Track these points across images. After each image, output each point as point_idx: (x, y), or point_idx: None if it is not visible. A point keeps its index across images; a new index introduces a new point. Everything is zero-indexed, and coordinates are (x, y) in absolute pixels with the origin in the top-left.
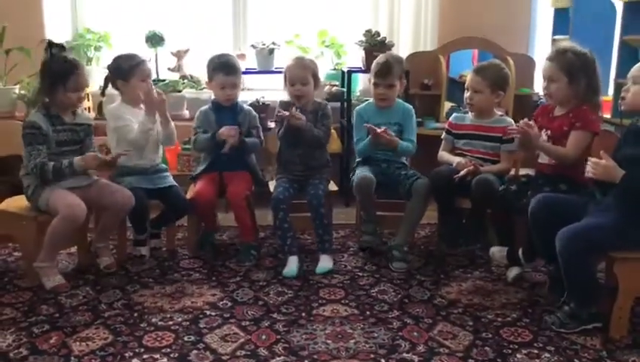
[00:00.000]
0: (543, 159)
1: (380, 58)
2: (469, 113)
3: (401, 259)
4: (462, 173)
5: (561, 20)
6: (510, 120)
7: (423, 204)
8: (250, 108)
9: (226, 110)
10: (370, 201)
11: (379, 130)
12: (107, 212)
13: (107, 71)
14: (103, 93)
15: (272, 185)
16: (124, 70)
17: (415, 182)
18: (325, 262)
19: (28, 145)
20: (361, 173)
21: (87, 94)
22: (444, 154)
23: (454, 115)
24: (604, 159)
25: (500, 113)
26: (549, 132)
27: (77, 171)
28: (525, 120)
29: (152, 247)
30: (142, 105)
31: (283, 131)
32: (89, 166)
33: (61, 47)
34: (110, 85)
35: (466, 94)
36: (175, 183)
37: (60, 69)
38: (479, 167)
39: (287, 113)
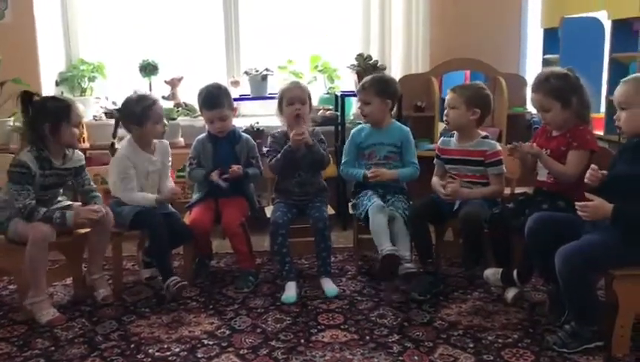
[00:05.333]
0: (542, 176)
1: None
2: (454, 137)
3: (407, 261)
4: (447, 195)
5: (551, 40)
6: (492, 142)
7: (404, 225)
8: (249, 137)
9: (223, 140)
10: (385, 226)
11: (370, 174)
12: (91, 233)
13: (118, 114)
14: (114, 135)
15: (268, 210)
16: (137, 115)
17: (392, 211)
18: (331, 285)
19: (16, 184)
20: (374, 201)
21: (83, 124)
22: (435, 183)
23: (441, 139)
24: (591, 199)
25: (483, 134)
26: (548, 151)
27: (67, 225)
28: (513, 143)
29: (148, 276)
30: (152, 147)
31: (281, 158)
32: (80, 224)
33: (36, 94)
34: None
35: (444, 112)
36: (174, 210)
37: (59, 107)
38: (463, 189)
39: (294, 134)
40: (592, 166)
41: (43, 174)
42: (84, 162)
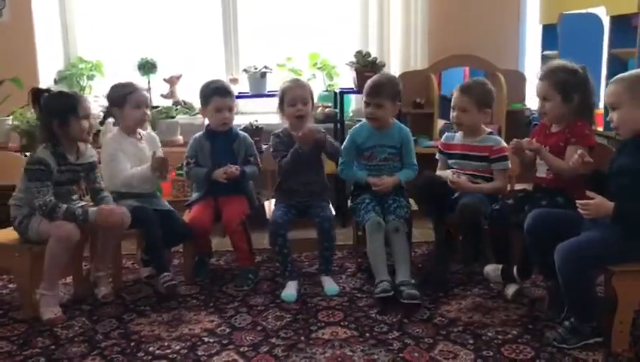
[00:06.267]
0: (541, 173)
1: (374, 77)
2: (458, 132)
3: (412, 289)
4: (452, 180)
5: (550, 36)
6: (498, 138)
7: (405, 240)
8: (246, 135)
9: (220, 138)
10: (382, 248)
11: (375, 188)
12: (103, 231)
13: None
14: (102, 123)
15: (267, 205)
16: (118, 98)
17: (392, 222)
18: (332, 283)
19: (35, 181)
20: (371, 217)
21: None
22: (440, 172)
23: (445, 134)
24: (592, 197)
25: (488, 131)
26: (547, 148)
27: (89, 222)
28: (515, 140)
29: (147, 275)
30: (139, 135)
31: (290, 160)
32: (104, 221)
33: (47, 90)
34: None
35: (453, 114)
36: (173, 208)
37: (65, 101)
38: (469, 183)
39: (300, 134)
40: (579, 151)
41: (59, 170)
42: (95, 158)
